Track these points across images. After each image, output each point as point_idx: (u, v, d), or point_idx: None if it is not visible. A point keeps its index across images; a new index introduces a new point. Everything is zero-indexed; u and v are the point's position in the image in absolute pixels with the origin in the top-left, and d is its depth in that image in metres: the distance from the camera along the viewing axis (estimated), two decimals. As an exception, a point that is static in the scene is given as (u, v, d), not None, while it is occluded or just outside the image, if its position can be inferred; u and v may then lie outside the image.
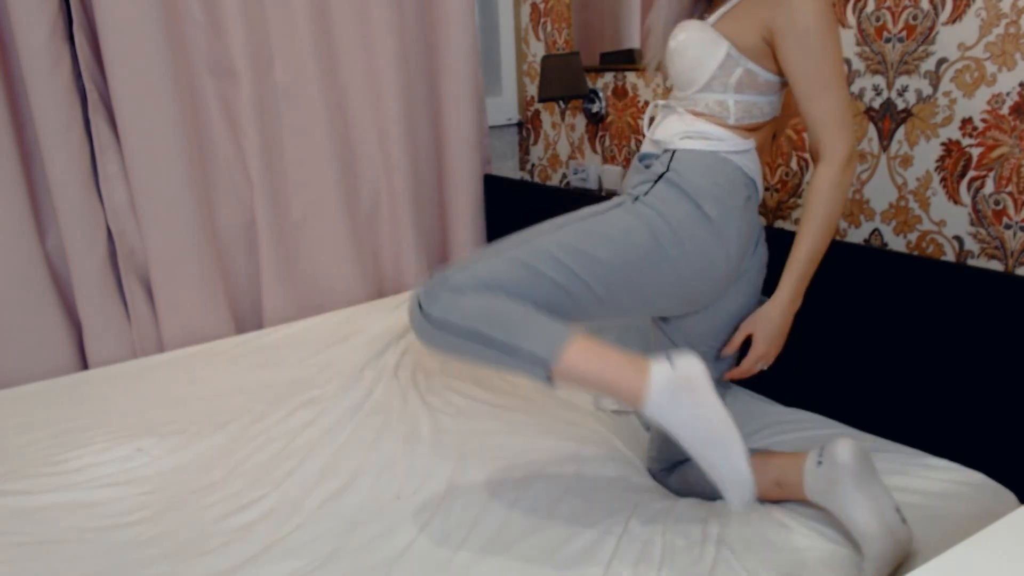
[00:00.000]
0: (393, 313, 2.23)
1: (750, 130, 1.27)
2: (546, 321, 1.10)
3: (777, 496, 1.28)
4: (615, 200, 1.27)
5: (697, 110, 1.27)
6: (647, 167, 1.29)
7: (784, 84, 1.26)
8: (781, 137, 1.78)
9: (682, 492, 1.39)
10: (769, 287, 1.33)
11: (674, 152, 1.25)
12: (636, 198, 1.23)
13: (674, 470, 1.40)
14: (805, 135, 1.73)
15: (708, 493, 1.34)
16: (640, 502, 1.33)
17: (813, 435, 1.53)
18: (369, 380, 1.85)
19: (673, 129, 1.28)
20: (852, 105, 1.49)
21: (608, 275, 1.17)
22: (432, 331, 1.11)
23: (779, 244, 1.68)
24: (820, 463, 1.19)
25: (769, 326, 1.28)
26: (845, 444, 1.17)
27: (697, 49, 1.23)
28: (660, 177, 1.23)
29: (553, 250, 1.17)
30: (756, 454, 1.32)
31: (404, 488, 1.41)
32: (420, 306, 1.12)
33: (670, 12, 1.34)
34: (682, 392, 1.05)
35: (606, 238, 1.18)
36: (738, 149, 1.24)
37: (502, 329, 1.08)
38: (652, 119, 1.57)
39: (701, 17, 1.29)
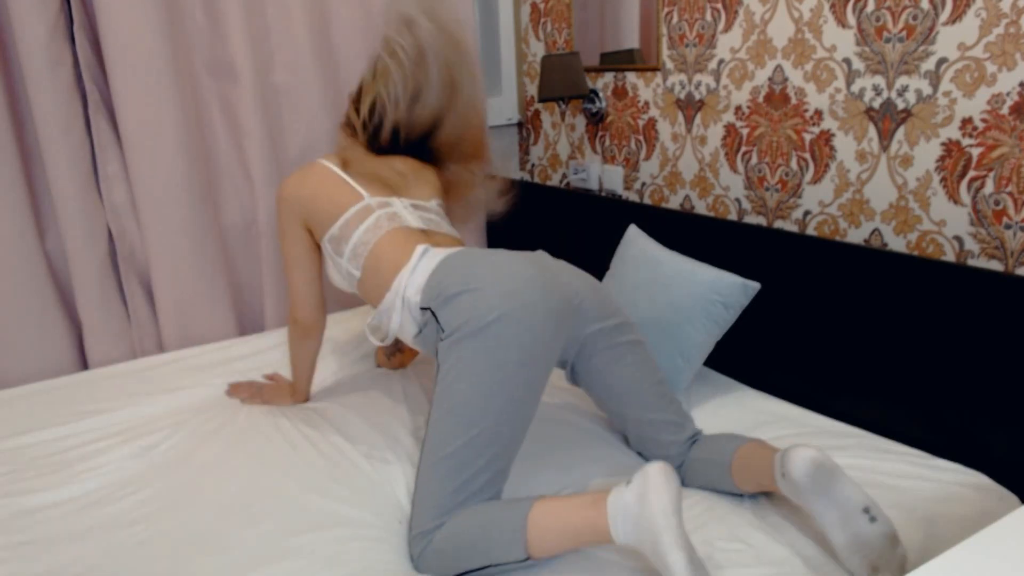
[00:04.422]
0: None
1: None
2: (501, 517, 1.14)
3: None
4: None
5: None
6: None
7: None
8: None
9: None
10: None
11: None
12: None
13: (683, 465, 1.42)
14: (805, 134, 1.73)
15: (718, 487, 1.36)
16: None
17: (812, 431, 1.53)
18: (371, 379, 1.85)
19: None
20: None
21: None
22: None
23: (778, 243, 1.69)
24: (783, 475, 1.16)
25: None
26: (800, 458, 1.13)
27: None
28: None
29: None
30: (737, 453, 1.32)
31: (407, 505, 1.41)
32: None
33: None
34: (641, 518, 1.03)
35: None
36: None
37: (473, 556, 1.14)
38: None
39: None
